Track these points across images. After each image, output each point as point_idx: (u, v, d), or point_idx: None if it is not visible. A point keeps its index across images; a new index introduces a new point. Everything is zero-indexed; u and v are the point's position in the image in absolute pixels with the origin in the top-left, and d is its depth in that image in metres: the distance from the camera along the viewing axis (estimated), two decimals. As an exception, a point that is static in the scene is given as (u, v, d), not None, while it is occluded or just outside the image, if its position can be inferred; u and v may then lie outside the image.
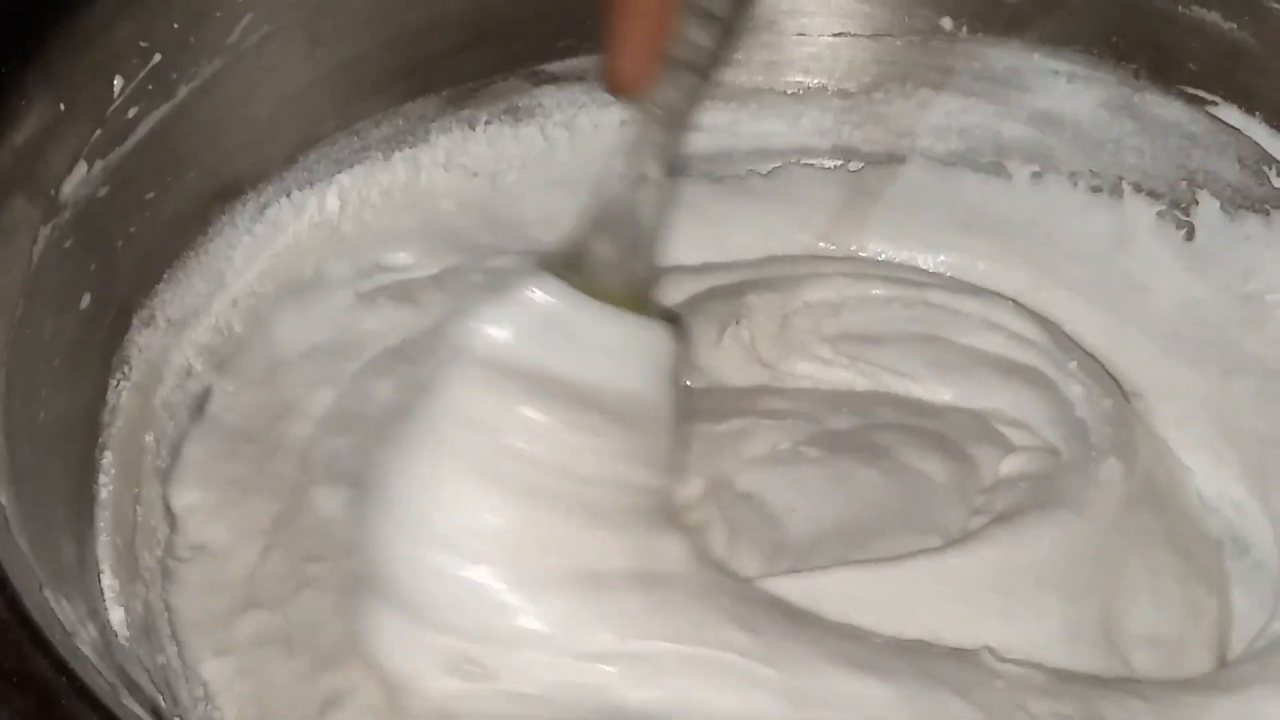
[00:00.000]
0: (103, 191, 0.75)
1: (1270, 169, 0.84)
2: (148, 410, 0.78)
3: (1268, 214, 0.84)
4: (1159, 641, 0.74)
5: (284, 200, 0.87)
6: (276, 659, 0.70)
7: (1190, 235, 0.87)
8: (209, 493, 0.78)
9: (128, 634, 0.69)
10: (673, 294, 0.85)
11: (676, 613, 0.67)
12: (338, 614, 0.71)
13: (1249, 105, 0.84)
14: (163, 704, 0.66)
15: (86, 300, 0.74)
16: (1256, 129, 0.84)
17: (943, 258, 0.91)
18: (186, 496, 0.78)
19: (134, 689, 0.63)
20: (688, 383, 0.80)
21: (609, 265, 0.70)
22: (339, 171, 0.88)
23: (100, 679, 0.58)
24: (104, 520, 0.73)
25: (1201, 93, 0.85)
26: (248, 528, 0.77)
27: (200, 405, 0.81)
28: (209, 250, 0.83)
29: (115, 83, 0.75)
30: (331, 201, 0.88)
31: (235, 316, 0.84)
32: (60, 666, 0.56)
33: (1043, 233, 0.90)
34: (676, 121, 0.71)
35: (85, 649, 0.60)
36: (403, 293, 0.86)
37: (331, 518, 0.75)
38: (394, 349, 0.83)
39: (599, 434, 0.67)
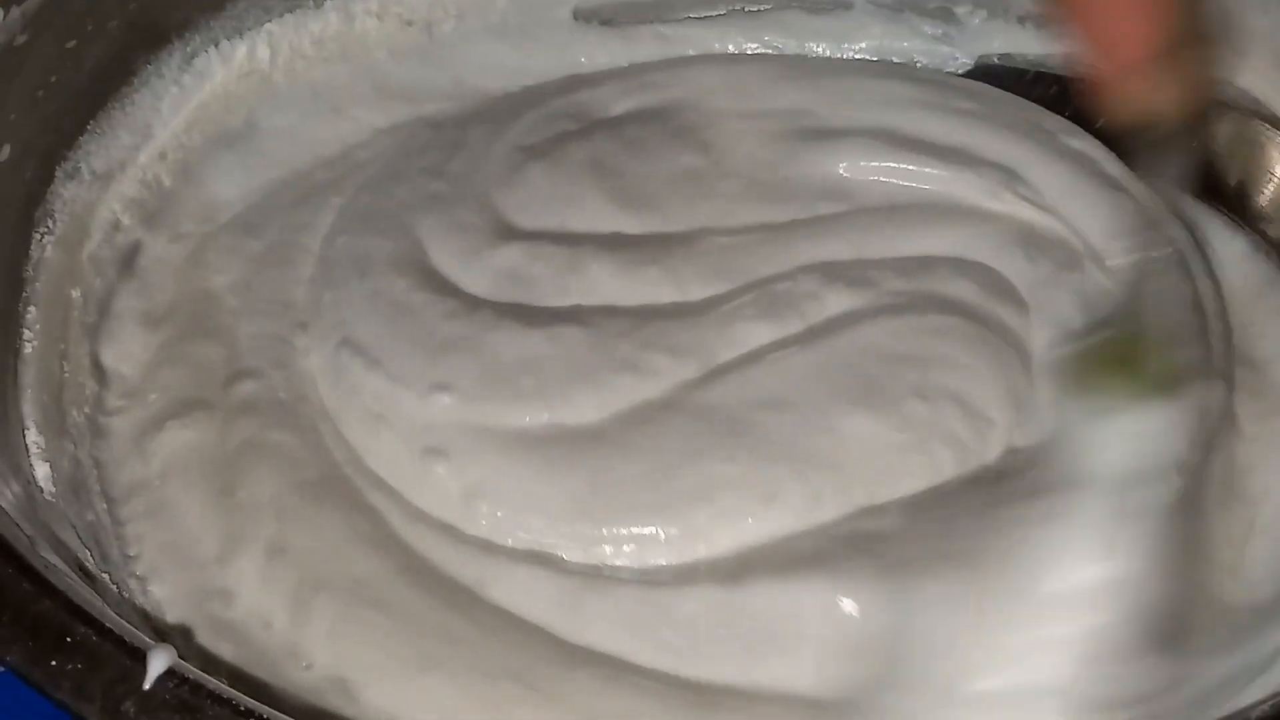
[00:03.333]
0: (20, 39, 0.73)
1: None
2: (74, 265, 0.77)
3: None
4: None
5: (212, 50, 0.84)
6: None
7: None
8: (140, 348, 0.77)
9: (54, 490, 0.68)
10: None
11: None
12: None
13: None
14: (90, 559, 0.65)
15: (6, 152, 0.72)
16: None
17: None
18: (116, 352, 0.77)
19: (56, 543, 0.62)
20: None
21: None
22: (268, 20, 0.86)
23: (18, 531, 0.58)
24: (29, 376, 0.71)
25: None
26: (182, 379, 0.75)
27: (129, 260, 0.80)
28: (134, 101, 0.81)
29: (30, -75, 0.73)
30: (262, 51, 0.86)
31: (164, 170, 0.82)
32: (-26, 518, 0.55)
33: None
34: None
35: (3, 503, 0.60)
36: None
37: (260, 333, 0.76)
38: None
39: None
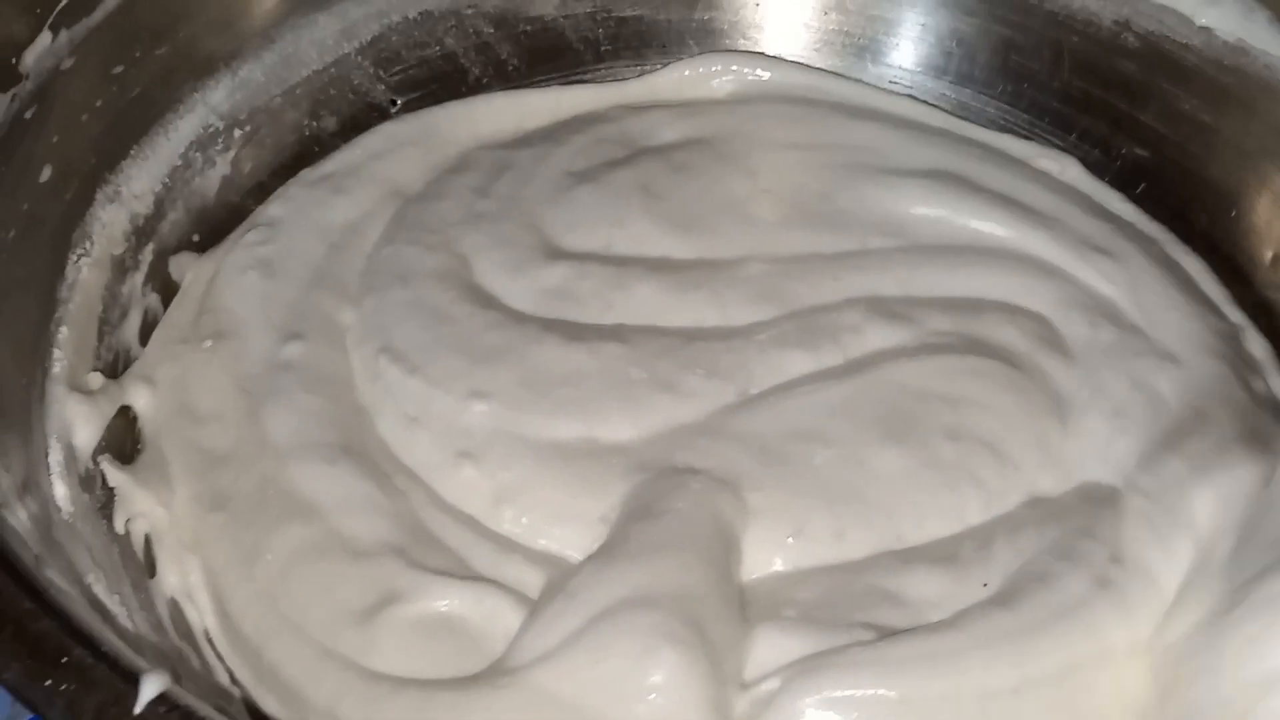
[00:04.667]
0: (68, 63, 0.74)
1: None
2: (109, 286, 0.77)
3: None
4: None
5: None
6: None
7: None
8: (169, 369, 0.77)
9: (72, 510, 0.68)
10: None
11: None
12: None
13: None
14: (102, 580, 0.65)
15: (47, 173, 0.73)
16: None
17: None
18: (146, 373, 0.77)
19: (65, 563, 0.62)
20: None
21: None
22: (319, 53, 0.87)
23: (26, 550, 0.58)
24: (56, 396, 0.72)
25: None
26: (209, 400, 0.76)
27: (164, 281, 0.80)
28: (178, 127, 0.81)
29: (83, -49, 0.74)
30: (310, 83, 0.87)
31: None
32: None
33: None
34: None
35: (14, 521, 0.60)
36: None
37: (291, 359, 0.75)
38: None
39: None
